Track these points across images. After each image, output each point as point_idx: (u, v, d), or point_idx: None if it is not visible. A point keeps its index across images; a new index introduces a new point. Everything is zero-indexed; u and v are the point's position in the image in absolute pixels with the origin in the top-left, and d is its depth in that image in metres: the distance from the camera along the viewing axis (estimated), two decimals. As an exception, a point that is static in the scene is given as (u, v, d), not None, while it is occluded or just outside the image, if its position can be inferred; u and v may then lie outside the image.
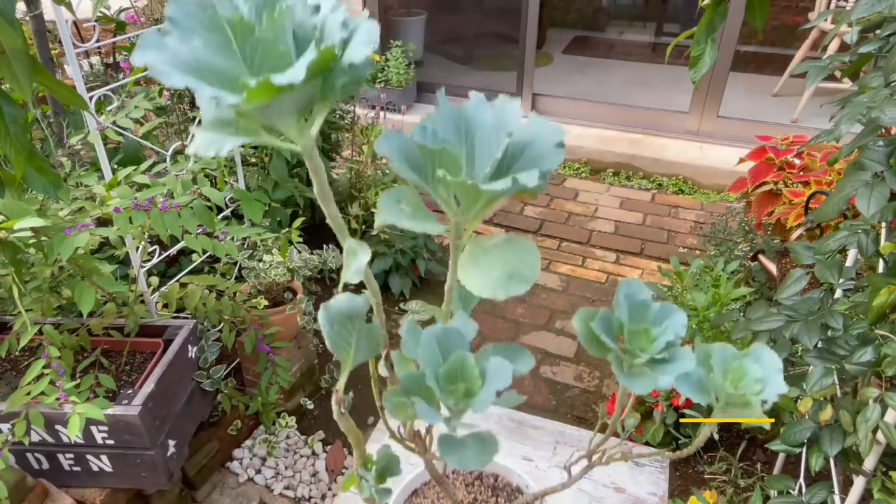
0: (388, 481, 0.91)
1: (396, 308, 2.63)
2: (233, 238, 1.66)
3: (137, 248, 1.71)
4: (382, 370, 0.85)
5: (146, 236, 1.67)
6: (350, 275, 0.58)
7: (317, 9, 0.52)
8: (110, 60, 2.81)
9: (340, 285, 0.63)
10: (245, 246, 2.03)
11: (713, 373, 0.69)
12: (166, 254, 1.87)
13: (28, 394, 1.39)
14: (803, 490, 1.28)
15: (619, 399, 0.81)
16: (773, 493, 1.29)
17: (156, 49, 0.48)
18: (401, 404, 0.70)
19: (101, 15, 2.36)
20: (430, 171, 0.56)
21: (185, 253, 2.10)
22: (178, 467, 1.67)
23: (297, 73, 0.47)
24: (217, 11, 0.52)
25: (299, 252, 2.03)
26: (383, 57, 3.99)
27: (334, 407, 0.84)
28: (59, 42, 1.43)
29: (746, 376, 0.68)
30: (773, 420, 0.71)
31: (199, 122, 0.53)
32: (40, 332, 1.49)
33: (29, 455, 1.54)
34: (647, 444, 1.85)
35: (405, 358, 0.77)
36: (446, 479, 1.11)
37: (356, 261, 0.58)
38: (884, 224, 1.11)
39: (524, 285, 0.54)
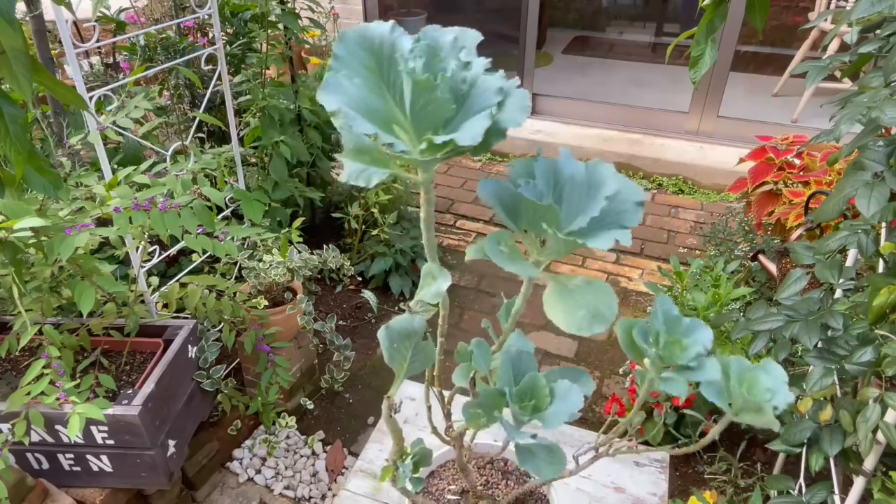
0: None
1: (396, 308, 2.63)
2: (233, 238, 1.66)
3: (137, 248, 1.71)
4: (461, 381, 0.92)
5: (146, 236, 1.67)
6: (427, 296, 0.64)
7: (468, 65, 0.58)
8: (110, 60, 2.81)
9: (414, 302, 0.70)
10: (245, 246, 2.03)
11: (731, 381, 0.78)
12: (166, 254, 1.87)
13: (28, 394, 1.39)
14: (803, 490, 1.28)
15: (640, 399, 0.88)
16: (773, 493, 1.29)
17: (337, 92, 0.55)
18: (476, 415, 0.82)
19: (101, 15, 2.36)
20: (527, 217, 0.62)
21: (185, 253, 2.10)
22: (178, 467, 1.67)
23: (476, 136, 0.53)
24: (373, 48, 0.58)
25: (299, 252, 2.03)
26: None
27: (385, 411, 0.92)
28: (59, 42, 1.43)
29: (758, 385, 0.77)
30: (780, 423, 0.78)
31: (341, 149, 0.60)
32: (40, 332, 1.49)
33: (29, 455, 1.54)
34: (646, 443, 1.85)
35: (477, 371, 0.86)
36: (468, 466, 1.18)
37: (435, 285, 0.64)
38: (884, 224, 1.11)
39: (605, 325, 0.61)
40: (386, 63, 0.57)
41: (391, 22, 0.58)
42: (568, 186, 0.64)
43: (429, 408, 1.03)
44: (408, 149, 0.55)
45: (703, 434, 1.89)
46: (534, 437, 0.78)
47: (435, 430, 1.05)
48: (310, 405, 2.08)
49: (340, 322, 2.53)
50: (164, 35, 2.41)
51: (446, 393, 1.03)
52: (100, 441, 1.50)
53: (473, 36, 0.60)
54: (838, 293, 1.24)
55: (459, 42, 0.59)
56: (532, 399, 0.80)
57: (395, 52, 0.57)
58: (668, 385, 0.77)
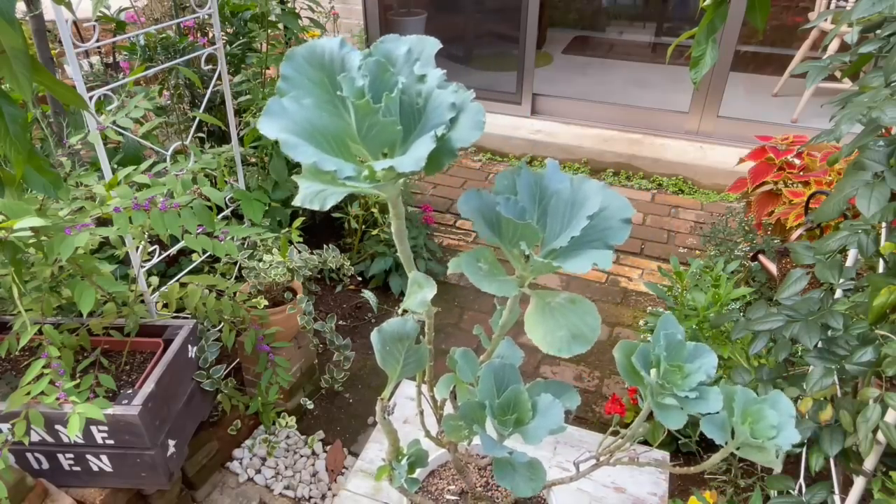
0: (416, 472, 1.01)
1: (396, 308, 2.63)
2: (233, 238, 1.66)
3: (137, 248, 1.71)
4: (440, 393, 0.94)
5: (146, 236, 1.66)
6: (413, 305, 0.63)
7: (422, 78, 0.55)
8: (110, 60, 2.81)
9: (401, 310, 0.69)
10: (245, 246, 2.03)
11: (734, 416, 0.75)
12: (166, 254, 1.87)
13: (28, 394, 1.39)
14: (803, 490, 1.28)
15: (644, 413, 0.85)
16: (773, 493, 1.29)
17: (279, 116, 0.52)
18: (457, 427, 0.80)
19: (101, 15, 2.36)
20: (507, 234, 0.61)
21: (185, 253, 2.10)
22: (178, 467, 1.67)
23: (418, 161, 0.50)
24: (324, 65, 0.55)
25: (299, 252, 2.03)
26: (383, 57, 3.98)
27: (378, 412, 0.92)
28: (59, 42, 1.43)
29: (763, 421, 0.74)
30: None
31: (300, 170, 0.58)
32: (40, 332, 1.49)
33: (29, 455, 1.54)
34: (645, 442, 1.85)
35: (460, 381, 0.85)
36: (466, 468, 1.18)
37: (421, 293, 0.63)
38: (884, 224, 1.11)
39: (586, 346, 0.59)
40: (338, 80, 0.54)
41: (339, 38, 0.56)
42: (553, 202, 0.62)
43: (420, 412, 1.02)
44: (353, 174, 0.51)
45: (703, 433, 1.89)
46: (511, 453, 0.75)
47: (428, 434, 1.04)
48: (310, 405, 2.08)
49: (340, 322, 2.53)
50: (164, 35, 2.41)
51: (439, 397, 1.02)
52: (100, 441, 1.50)
53: (432, 44, 0.57)
54: (838, 293, 1.24)
55: (414, 53, 0.56)
56: (514, 413, 0.78)
57: (344, 69, 0.55)
58: (665, 416, 0.73)
